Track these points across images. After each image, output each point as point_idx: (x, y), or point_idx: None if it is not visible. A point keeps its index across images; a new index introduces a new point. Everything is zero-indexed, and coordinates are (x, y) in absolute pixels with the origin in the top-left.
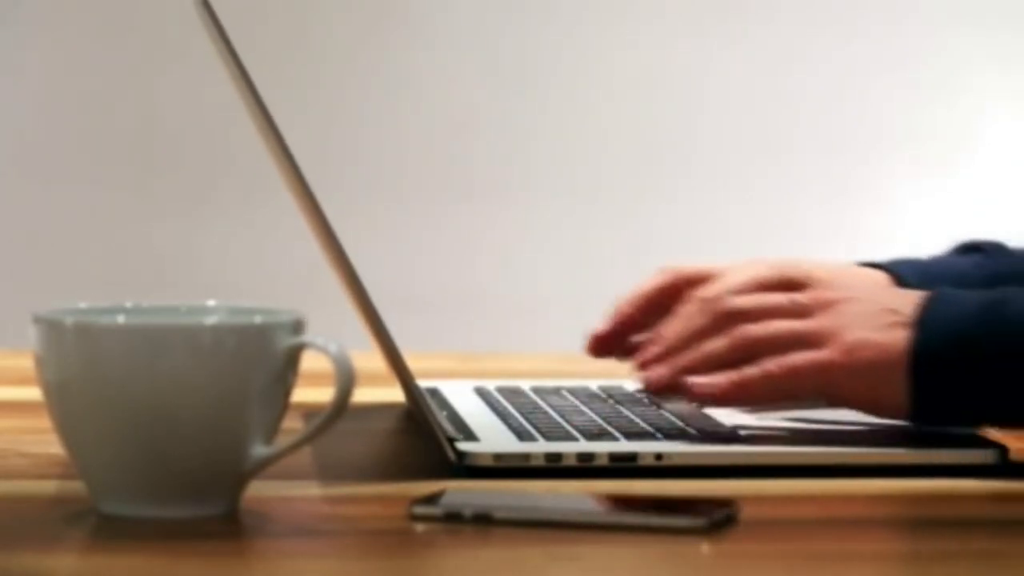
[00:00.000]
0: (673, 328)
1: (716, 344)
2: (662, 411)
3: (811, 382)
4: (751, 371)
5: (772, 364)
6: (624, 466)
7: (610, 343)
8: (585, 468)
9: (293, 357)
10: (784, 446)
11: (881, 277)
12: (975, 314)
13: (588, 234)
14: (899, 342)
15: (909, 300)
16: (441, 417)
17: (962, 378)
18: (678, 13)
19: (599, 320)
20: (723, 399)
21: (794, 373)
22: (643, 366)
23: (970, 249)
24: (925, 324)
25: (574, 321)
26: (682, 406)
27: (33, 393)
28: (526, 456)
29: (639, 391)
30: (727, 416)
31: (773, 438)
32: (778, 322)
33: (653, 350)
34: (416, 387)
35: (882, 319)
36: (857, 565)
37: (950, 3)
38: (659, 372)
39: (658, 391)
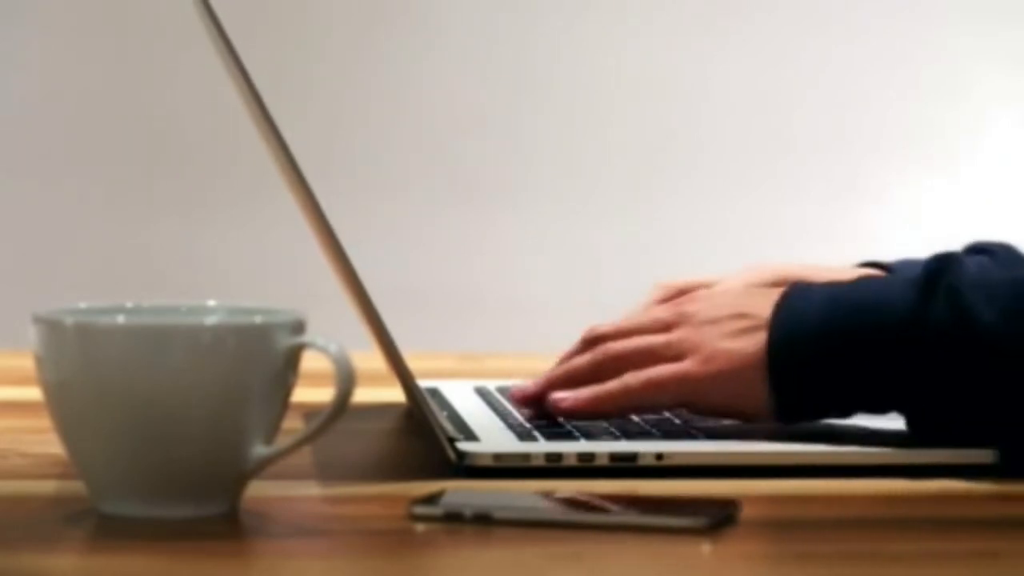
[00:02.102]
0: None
1: (579, 360)
2: (663, 411)
3: (672, 393)
4: (611, 384)
5: (631, 377)
6: (624, 466)
7: None
8: (585, 468)
9: (293, 357)
10: (784, 446)
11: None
12: (819, 307)
13: (588, 235)
14: (751, 346)
15: (766, 302)
16: (441, 417)
17: (815, 371)
18: (678, 13)
19: (597, 320)
20: (583, 412)
21: (654, 385)
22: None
23: (978, 251)
24: (774, 324)
25: (573, 321)
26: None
27: (33, 393)
28: (526, 456)
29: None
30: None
31: (773, 438)
32: (638, 338)
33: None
34: (416, 387)
35: (734, 325)
36: (857, 565)
37: (952, 2)
38: (524, 388)
39: (523, 405)
